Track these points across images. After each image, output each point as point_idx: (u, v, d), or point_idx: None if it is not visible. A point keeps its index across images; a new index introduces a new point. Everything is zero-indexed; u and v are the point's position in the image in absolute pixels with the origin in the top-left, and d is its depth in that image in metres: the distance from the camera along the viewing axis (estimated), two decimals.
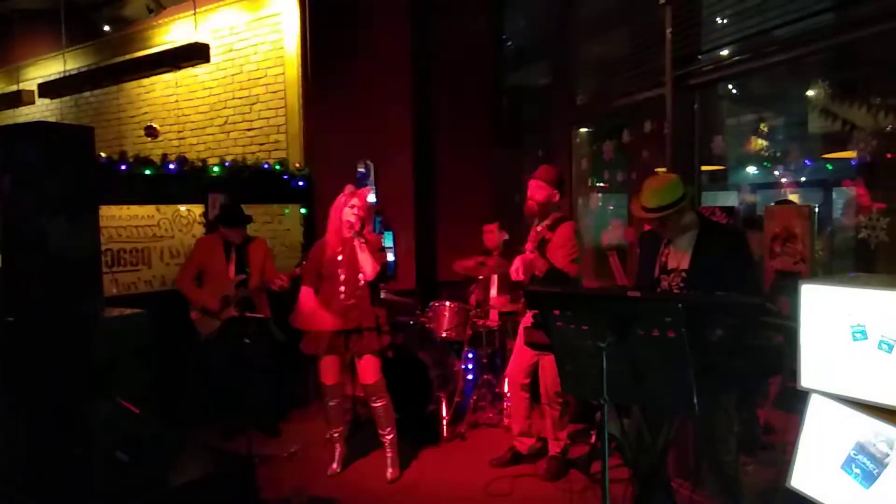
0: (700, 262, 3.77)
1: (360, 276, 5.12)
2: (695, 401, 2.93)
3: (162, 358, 5.07)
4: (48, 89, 11.20)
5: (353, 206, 5.11)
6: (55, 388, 3.83)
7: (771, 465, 4.32)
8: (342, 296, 5.11)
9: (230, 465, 4.45)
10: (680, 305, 2.96)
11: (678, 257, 3.88)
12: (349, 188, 5.20)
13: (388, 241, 7.80)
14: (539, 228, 4.94)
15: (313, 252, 5.35)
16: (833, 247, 4.53)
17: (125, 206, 6.35)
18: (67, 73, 11.11)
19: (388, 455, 5.32)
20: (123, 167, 6.33)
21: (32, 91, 12.04)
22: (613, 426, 3.79)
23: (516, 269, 5.19)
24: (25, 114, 12.27)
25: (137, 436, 3.85)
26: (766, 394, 4.48)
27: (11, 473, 3.93)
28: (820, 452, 2.57)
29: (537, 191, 5.03)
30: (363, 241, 5.07)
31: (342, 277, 5.12)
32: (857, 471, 2.44)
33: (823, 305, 2.53)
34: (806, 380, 2.61)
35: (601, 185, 6.91)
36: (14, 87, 12.68)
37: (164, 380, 5.30)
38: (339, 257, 5.14)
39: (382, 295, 5.89)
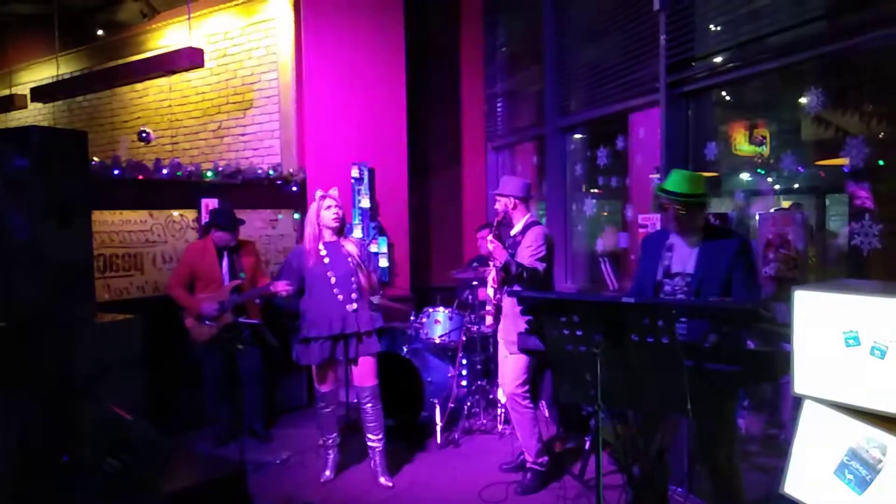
0: (705, 266, 3.77)
1: (353, 279, 5.11)
2: (689, 406, 2.93)
3: (154, 363, 5.05)
4: (41, 94, 11.18)
5: (328, 207, 5.12)
6: (46, 393, 3.81)
7: (764, 470, 4.32)
8: (339, 297, 5.09)
9: (222, 471, 4.43)
10: (673, 311, 2.98)
11: (683, 261, 3.87)
12: (319, 192, 5.20)
13: (382, 245, 7.80)
14: (494, 237, 4.99)
15: (291, 261, 5.28)
16: (826, 253, 4.54)
17: (118, 212, 6.33)
18: (61, 78, 11.08)
19: (378, 462, 5.30)
20: (116, 172, 6.31)
21: (25, 95, 12.02)
22: (607, 432, 3.79)
23: (493, 277, 5.26)
24: (17, 118, 12.24)
25: (129, 442, 3.83)
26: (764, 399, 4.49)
27: (1, 480, 3.90)
28: (813, 458, 2.58)
29: (497, 203, 5.26)
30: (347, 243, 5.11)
31: (333, 280, 5.11)
32: (850, 477, 2.44)
33: (816, 311, 2.53)
34: (799, 386, 2.61)
35: (595, 191, 6.92)
36: (6, 92, 12.65)
37: (157, 386, 5.27)
38: (326, 260, 5.13)
39: (377, 300, 5.88)
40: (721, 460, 3.73)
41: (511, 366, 5.12)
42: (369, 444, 5.29)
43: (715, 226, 3.97)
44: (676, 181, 3.83)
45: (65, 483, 3.79)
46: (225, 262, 6.11)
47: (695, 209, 3.81)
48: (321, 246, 5.14)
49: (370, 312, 5.23)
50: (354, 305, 5.10)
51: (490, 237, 4.92)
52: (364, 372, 5.19)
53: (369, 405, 5.21)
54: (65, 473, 3.78)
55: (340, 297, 5.09)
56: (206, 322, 5.94)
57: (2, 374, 3.94)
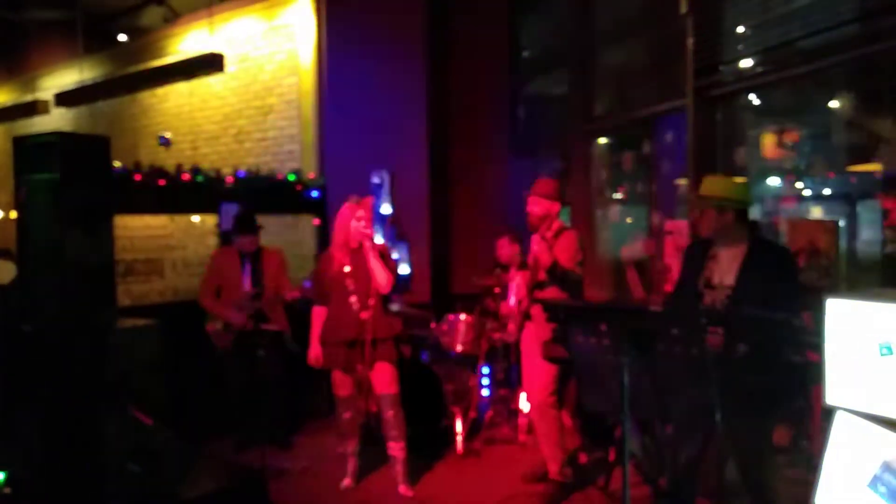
0: (747, 279, 3.66)
1: (372, 286, 5.08)
2: (717, 417, 2.89)
3: (175, 369, 5.05)
4: (65, 99, 11.28)
5: (359, 219, 5.09)
6: (69, 398, 3.81)
7: (795, 483, 4.25)
8: (354, 307, 5.08)
9: (243, 478, 4.43)
10: (702, 320, 2.93)
11: (723, 273, 3.77)
12: (353, 199, 5.19)
13: (402, 252, 7.77)
14: (541, 238, 4.91)
15: (319, 266, 5.35)
16: (858, 261, 4.47)
17: (138, 217, 6.33)
18: (83, 83, 11.16)
19: (399, 470, 5.26)
20: (138, 177, 6.32)
21: (47, 101, 12.13)
22: (633, 443, 3.75)
23: (518, 285, 5.18)
24: (41, 123, 12.34)
25: (150, 447, 3.82)
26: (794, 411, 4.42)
27: (26, 483, 3.90)
28: (845, 470, 2.52)
29: (535, 206, 5.06)
30: (376, 251, 5.06)
31: (351, 288, 5.10)
32: (883, 489, 2.39)
33: (849, 321, 2.48)
34: (831, 397, 2.56)
35: (620, 196, 6.86)
36: (30, 97, 12.77)
37: (177, 391, 5.27)
38: (347, 269, 5.12)
39: (396, 307, 5.85)
40: (754, 473, 3.66)
41: (541, 373, 5.06)
42: (390, 452, 5.25)
43: (761, 237, 3.87)
44: (706, 182, 3.80)
45: (87, 487, 3.78)
46: (247, 269, 6.11)
47: (716, 211, 3.75)
48: (345, 254, 5.14)
49: (388, 319, 5.19)
50: (370, 313, 5.07)
51: (537, 239, 4.85)
52: (383, 379, 5.16)
53: (390, 413, 5.18)
54: (87, 478, 3.78)
55: (356, 305, 5.07)
56: (230, 330, 5.94)
57: (26, 377, 3.95)
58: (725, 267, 3.78)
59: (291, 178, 7.46)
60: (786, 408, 4.23)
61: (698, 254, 3.93)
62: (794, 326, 3.10)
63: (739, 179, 3.87)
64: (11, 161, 4.12)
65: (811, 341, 3.12)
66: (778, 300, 3.54)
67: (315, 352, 5.24)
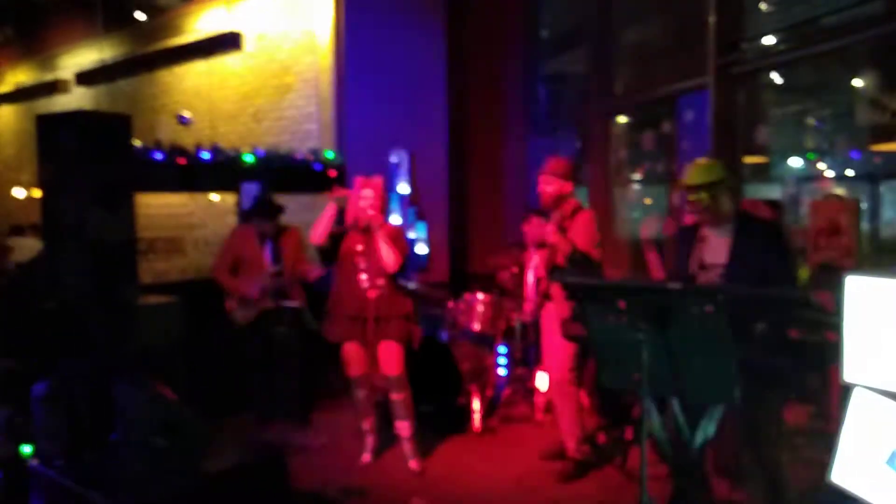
0: (738, 256, 3.72)
1: (381, 265, 5.10)
2: (735, 393, 2.89)
3: (195, 346, 5.10)
4: (86, 78, 11.33)
5: (364, 198, 5.11)
6: (93, 373, 3.85)
7: (812, 461, 4.25)
8: (363, 284, 5.11)
9: (262, 454, 4.46)
10: (721, 297, 2.92)
11: (715, 252, 3.82)
12: (359, 181, 5.20)
13: (421, 231, 7.78)
14: (556, 219, 4.89)
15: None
16: (880, 241, 4.45)
17: (159, 195, 6.37)
18: (104, 62, 11.19)
19: (407, 447, 5.29)
20: (158, 156, 6.34)
21: (68, 80, 12.18)
22: (651, 421, 3.75)
23: (536, 265, 5.17)
24: (61, 102, 12.39)
25: (173, 422, 3.86)
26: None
27: (51, 457, 3.96)
28: (863, 447, 2.53)
29: (547, 185, 5.02)
30: (383, 232, 5.08)
31: (361, 266, 5.13)
32: None
33: (869, 298, 2.48)
34: (849, 374, 2.56)
35: (640, 176, 6.83)
36: (51, 76, 12.82)
37: (197, 367, 5.31)
38: (359, 247, 5.14)
39: (413, 286, 5.86)
40: (764, 449, 3.67)
41: (560, 351, 5.06)
42: (397, 432, 5.29)
43: (746, 213, 3.90)
44: (691, 173, 3.81)
45: (111, 461, 3.84)
46: (268, 248, 6.13)
47: (711, 198, 3.76)
48: (358, 233, 5.17)
49: (398, 298, 5.22)
50: (377, 292, 5.10)
51: (553, 228, 4.82)
52: (388, 359, 5.17)
53: (394, 394, 5.20)
54: (111, 451, 3.83)
55: (365, 283, 5.10)
56: (246, 306, 5.98)
57: (50, 353, 4.00)
58: (718, 247, 3.82)
59: (310, 157, 7.46)
60: (794, 386, 4.23)
61: (688, 237, 3.98)
62: (796, 301, 3.10)
63: (715, 161, 3.86)
64: (34, 140, 4.16)
65: (824, 320, 3.10)
66: (770, 275, 3.57)
67: None
